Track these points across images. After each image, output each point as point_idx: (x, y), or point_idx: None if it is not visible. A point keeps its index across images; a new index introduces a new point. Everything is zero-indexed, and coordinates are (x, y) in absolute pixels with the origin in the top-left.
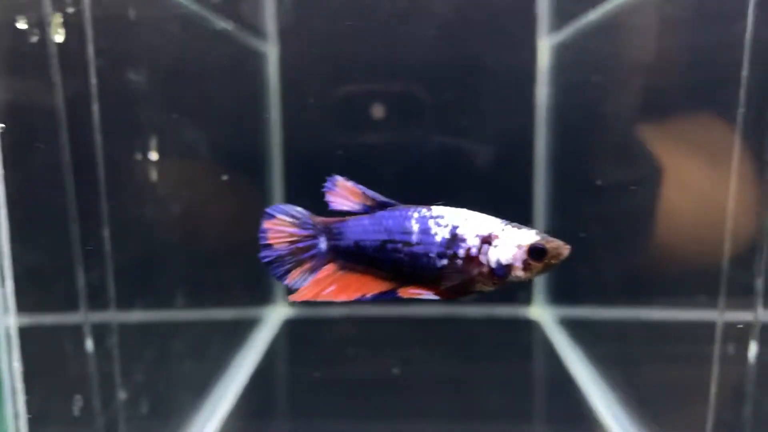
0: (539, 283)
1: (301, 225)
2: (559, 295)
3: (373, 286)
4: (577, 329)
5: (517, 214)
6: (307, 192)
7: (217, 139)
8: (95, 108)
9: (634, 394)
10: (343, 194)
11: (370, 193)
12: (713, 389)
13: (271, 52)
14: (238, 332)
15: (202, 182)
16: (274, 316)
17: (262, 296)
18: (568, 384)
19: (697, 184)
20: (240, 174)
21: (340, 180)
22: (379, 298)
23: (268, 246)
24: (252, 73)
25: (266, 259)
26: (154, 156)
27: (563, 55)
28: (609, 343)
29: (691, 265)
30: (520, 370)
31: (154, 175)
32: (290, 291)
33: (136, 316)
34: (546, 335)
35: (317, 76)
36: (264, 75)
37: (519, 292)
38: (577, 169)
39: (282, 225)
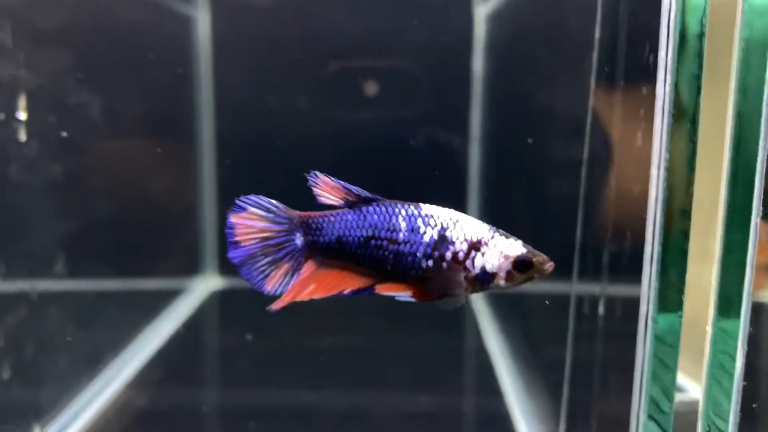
0: None
1: (275, 219)
2: None
3: (351, 283)
4: (498, 303)
5: (452, 186)
6: (239, 162)
7: (134, 105)
8: None
9: (535, 366)
10: (326, 189)
11: (354, 189)
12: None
13: (202, 18)
14: (158, 302)
15: (123, 149)
16: (202, 287)
17: (190, 267)
18: (483, 355)
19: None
20: (166, 142)
21: (320, 176)
22: (357, 294)
23: (236, 244)
24: (176, 36)
25: (236, 260)
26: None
27: (496, 24)
28: (518, 316)
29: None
30: (441, 343)
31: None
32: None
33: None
34: (473, 308)
35: (251, 42)
36: (192, 40)
37: None
38: (510, 140)
39: (252, 219)
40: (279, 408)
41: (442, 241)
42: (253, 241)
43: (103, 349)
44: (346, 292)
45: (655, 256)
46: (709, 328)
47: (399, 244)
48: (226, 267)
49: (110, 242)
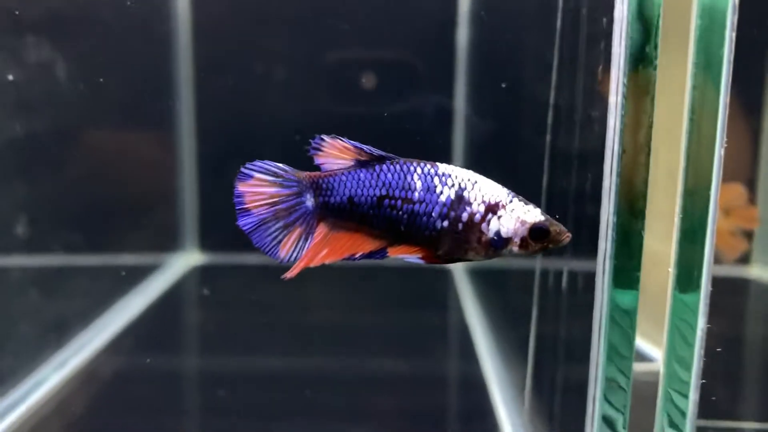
0: None
1: (283, 183)
2: None
3: (364, 245)
4: (478, 279)
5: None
6: (220, 147)
7: (110, 78)
8: None
9: (509, 337)
10: (334, 153)
11: (366, 148)
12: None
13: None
14: (137, 277)
15: (100, 126)
16: (182, 262)
17: (171, 243)
18: (463, 329)
19: None
20: (145, 124)
21: (327, 139)
22: (369, 258)
23: (246, 211)
24: (153, 21)
25: (247, 228)
26: None
27: None
28: (496, 290)
29: None
30: (423, 318)
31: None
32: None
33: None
34: (455, 284)
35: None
36: (170, 25)
37: None
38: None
39: (261, 185)
40: (252, 375)
41: (459, 201)
42: (263, 208)
43: (72, 320)
44: (357, 255)
45: (610, 233)
46: (668, 301)
47: (414, 203)
48: (207, 243)
49: (89, 218)
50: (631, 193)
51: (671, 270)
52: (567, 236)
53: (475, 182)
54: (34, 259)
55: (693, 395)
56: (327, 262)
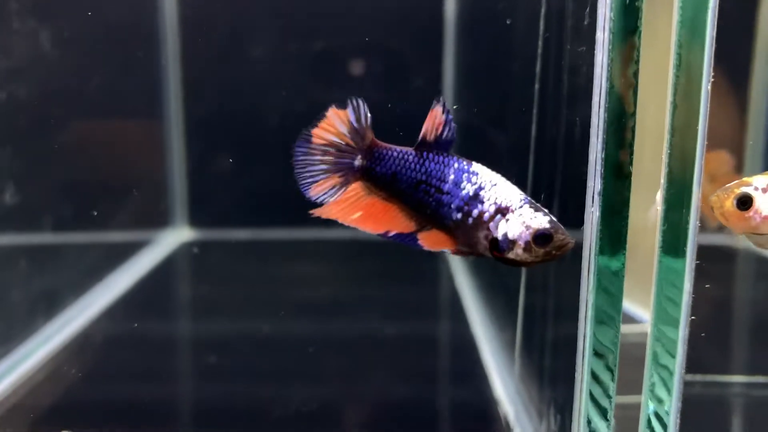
0: None
1: (354, 134)
2: None
3: (397, 223)
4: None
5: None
6: (206, 137)
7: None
8: None
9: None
10: (431, 127)
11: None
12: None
13: None
14: (128, 252)
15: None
16: (172, 238)
17: (160, 219)
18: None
19: None
20: (134, 95)
21: (440, 110)
22: (400, 240)
23: (308, 138)
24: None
25: (298, 154)
26: None
27: None
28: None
29: None
30: (417, 294)
31: None
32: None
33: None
34: (449, 263)
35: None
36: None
37: None
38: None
39: (340, 120)
40: (244, 341)
41: (474, 198)
42: (322, 141)
43: (63, 293)
44: (391, 233)
45: (596, 199)
46: (655, 264)
47: (443, 194)
48: (196, 219)
49: (79, 196)
50: (618, 159)
51: (658, 234)
52: (571, 244)
53: (495, 184)
54: (30, 236)
55: (680, 351)
56: (360, 227)
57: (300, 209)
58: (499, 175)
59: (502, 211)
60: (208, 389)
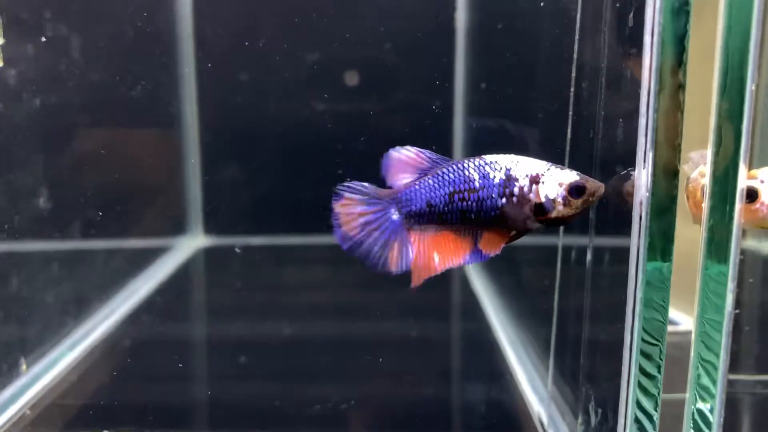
0: None
1: (368, 201)
2: None
3: (458, 245)
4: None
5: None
6: (222, 138)
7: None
8: None
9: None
10: (401, 167)
11: (426, 154)
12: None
13: None
14: (148, 258)
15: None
16: (189, 245)
17: (177, 227)
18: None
19: None
20: (151, 105)
21: (394, 154)
22: (476, 261)
23: (342, 230)
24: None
25: (346, 246)
26: None
27: None
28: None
29: None
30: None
31: None
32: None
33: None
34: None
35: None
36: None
37: None
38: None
39: (350, 205)
40: (263, 344)
41: (509, 179)
42: (355, 224)
43: (90, 298)
44: (467, 257)
45: (645, 207)
46: (698, 274)
47: (477, 191)
48: (211, 226)
49: (98, 206)
50: (666, 165)
51: (702, 236)
52: (602, 188)
53: (518, 162)
54: (57, 243)
55: (724, 352)
56: (445, 266)
57: (311, 216)
58: (512, 155)
59: (535, 179)
60: (232, 389)
